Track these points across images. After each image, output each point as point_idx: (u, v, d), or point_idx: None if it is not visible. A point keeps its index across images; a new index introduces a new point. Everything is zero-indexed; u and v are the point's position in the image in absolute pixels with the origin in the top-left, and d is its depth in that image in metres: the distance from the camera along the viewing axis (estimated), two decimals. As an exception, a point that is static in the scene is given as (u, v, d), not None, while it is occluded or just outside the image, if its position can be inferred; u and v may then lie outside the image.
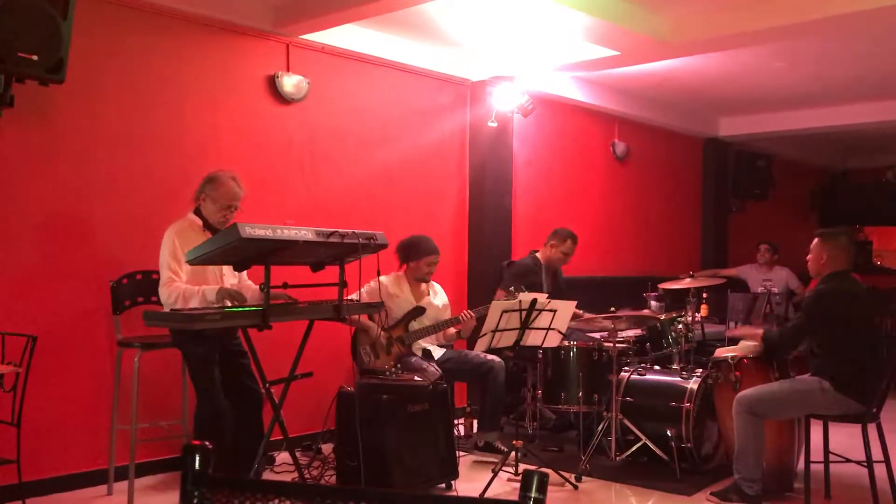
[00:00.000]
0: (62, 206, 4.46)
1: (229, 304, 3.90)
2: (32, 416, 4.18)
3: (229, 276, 4.24)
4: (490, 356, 5.15)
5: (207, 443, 1.17)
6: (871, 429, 4.16)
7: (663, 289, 6.19)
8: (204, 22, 5.01)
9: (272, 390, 4.01)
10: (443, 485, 4.51)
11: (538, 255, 6.12)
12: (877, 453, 4.14)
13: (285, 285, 3.87)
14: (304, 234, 3.62)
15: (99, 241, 4.57)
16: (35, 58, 3.88)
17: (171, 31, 4.90)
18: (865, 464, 4.11)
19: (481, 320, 4.55)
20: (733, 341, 5.83)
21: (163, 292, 3.99)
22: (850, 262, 4.39)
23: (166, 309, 3.96)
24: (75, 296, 4.50)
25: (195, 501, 1.11)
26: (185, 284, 3.97)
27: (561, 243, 6.01)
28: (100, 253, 4.57)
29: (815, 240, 4.43)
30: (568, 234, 6.04)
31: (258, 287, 3.84)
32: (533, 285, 5.74)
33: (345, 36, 5.62)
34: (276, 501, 1.09)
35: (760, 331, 4.58)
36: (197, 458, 1.12)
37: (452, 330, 5.27)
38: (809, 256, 4.46)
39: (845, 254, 4.37)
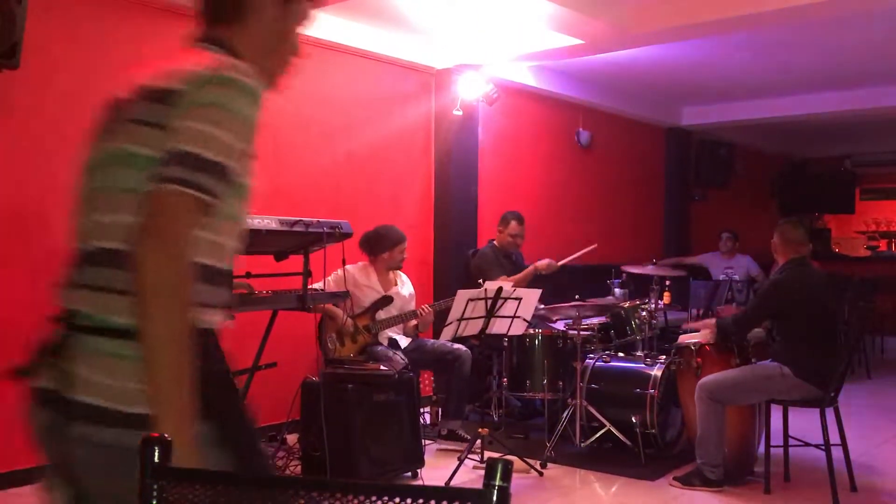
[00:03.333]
0: (18, 196, 4.36)
1: None
2: (-11, 409, 4.09)
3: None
4: (456, 345, 5.15)
5: (167, 435, 1.15)
6: (829, 413, 4.25)
7: (627, 275, 6.24)
8: (164, 7, 4.92)
9: (235, 380, 3.97)
10: (409, 473, 4.51)
11: (495, 242, 6.16)
12: (834, 437, 4.23)
13: (248, 275, 3.83)
14: (268, 223, 3.58)
15: (57, 232, 4.47)
16: (-12, 43, 3.79)
17: (129, 16, 4.80)
18: (823, 447, 4.19)
19: (442, 313, 4.55)
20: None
21: None
22: (806, 250, 4.48)
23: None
24: (34, 288, 4.41)
25: (154, 494, 1.09)
26: None
27: (506, 226, 6.05)
28: (58, 243, 4.46)
29: (777, 229, 4.53)
30: (512, 216, 6.06)
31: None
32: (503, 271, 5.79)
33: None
34: (237, 493, 1.07)
35: (713, 321, 4.65)
36: (156, 451, 1.10)
37: (412, 322, 5.26)
38: (773, 243, 4.54)
39: (801, 242, 4.46)
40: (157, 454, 1.10)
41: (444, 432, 5.20)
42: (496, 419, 5.63)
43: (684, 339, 4.87)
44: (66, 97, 4.55)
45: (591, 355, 5.25)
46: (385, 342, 5.17)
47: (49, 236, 4.46)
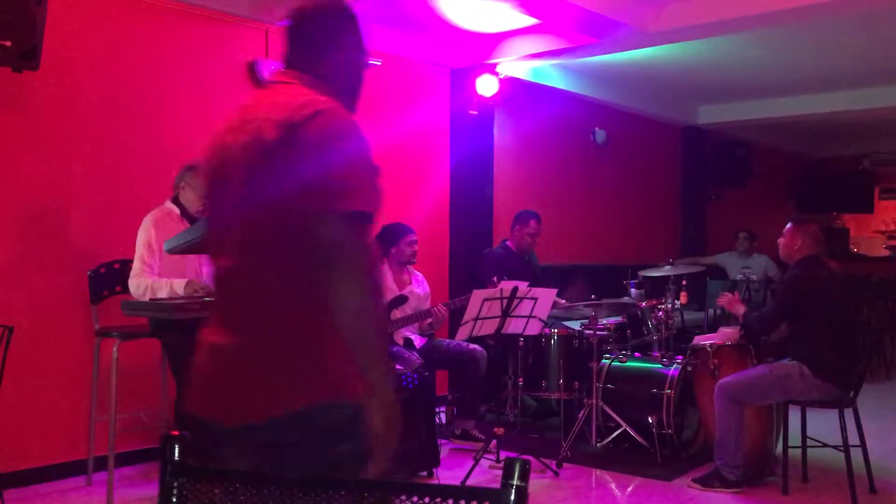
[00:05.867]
0: (38, 194, 4.40)
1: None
2: (10, 406, 4.13)
3: (208, 266, 4.20)
4: (472, 345, 5.15)
5: (187, 433, 1.16)
6: (848, 414, 4.21)
7: (643, 276, 6.21)
8: (181, 8, 4.95)
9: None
10: (424, 472, 4.51)
11: (508, 242, 6.14)
12: (853, 438, 4.20)
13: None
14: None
15: (76, 229, 4.52)
16: (8, 44, 3.81)
17: (147, 17, 4.83)
18: (842, 448, 4.16)
19: (456, 312, 4.55)
20: (713, 327, 5.87)
21: (132, 283, 3.96)
22: (821, 248, 4.46)
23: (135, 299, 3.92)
24: (52, 285, 4.44)
25: (175, 492, 1.10)
26: (154, 277, 3.93)
27: (524, 225, 6.02)
28: (77, 242, 4.51)
29: (789, 225, 4.50)
30: (530, 215, 6.05)
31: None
32: (509, 273, 5.76)
33: (324, 22, 5.57)
34: (256, 491, 1.08)
35: (743, 309, 4.60)
36: (176, 449, 1.11)
37: (427, 321, 5.26)
38: (782, 241, 4.51)
39: (816, 240, 4.43)
40: (177, 452, 1.11)
41: (457, 432, 5.20)
42: (511, 419, 5.63)
43: (701, 339, 4.85)
44: (86, 98, 4.58)
45: (608, 355, 5.23)
46: (400, 342, 5.18)
47: (67, 235, 4.50)
